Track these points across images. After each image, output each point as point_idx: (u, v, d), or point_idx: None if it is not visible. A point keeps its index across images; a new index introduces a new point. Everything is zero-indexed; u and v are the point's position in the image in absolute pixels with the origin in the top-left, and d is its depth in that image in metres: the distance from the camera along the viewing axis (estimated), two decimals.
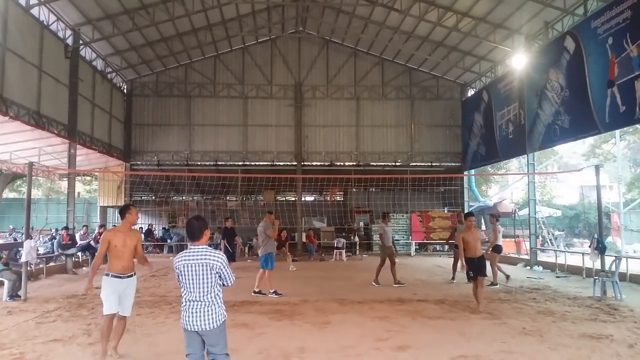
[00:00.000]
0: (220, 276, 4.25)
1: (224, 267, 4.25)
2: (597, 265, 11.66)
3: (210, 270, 4.18)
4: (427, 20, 19.01)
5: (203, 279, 4.18)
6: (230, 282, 4.33)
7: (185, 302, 4.22)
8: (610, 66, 12.84)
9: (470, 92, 23.89)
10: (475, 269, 9.01)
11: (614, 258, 11.09)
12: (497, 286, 12.14)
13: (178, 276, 4.30)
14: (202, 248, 4.26)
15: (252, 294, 10.63)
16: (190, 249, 4.29)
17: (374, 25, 20.99)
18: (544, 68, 16.38)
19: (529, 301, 10.11)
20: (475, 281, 9.12)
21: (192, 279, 4.18)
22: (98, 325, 7.81)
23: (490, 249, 12.82)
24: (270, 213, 11.51)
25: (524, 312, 8.82)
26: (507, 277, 13.02)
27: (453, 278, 13.21)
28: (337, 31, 23.09)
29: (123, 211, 6.24)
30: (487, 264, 9.93)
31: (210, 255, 4.22)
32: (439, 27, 19.18)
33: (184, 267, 4.19)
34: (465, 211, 24.11)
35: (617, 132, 22.10)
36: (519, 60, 17.82)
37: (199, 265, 4.17)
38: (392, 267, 12.51)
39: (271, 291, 10.65)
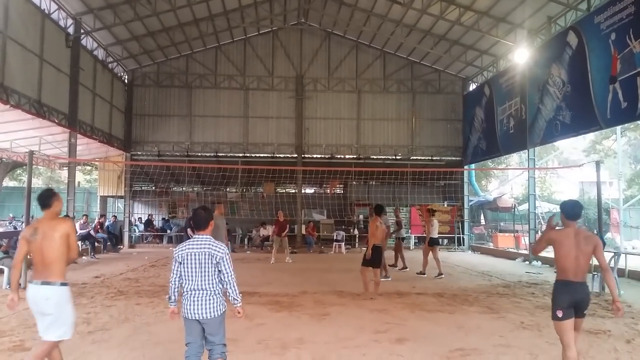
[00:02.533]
0: (219, 269, 4.27)
1: (225, 259, 4.27)
2: (596, 261, 11.66)
3: (212, 259, 4.22)
4: (429, 13, 18.92)
5: (205, 268, 4.23)
6: (229, 276, 4.29)
7: (187, 291, 4.26)
8: (613, 62, 12.80)
9: (472, 87, 23.82)
10: (378, 256, 9.93)
11: (613, 254, 11.12)
12: (442, 276, 12.82)
13: (177, 266, 4.31)
14: (207, 238, 4.32)
15: None
16: (195, 238, 4.34)
17: (376, 17, 20.90)
18: (546, 63, 16.34)
19: (528, 296, 10.15)
20: (369, 268, 9.97)
21: (195, 268, 4.22)
22: (98, 314, 7.86)
23: (426, 242, 13.73)
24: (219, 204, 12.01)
25: (522, 307, 8.86)
26: (435, 273, 13.11)
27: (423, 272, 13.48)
28: (339, 23, 23.00)
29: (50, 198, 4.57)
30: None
31: (212, 245, 4.26)
32: (442, 20, 19.10)
33: (187, 255, 4.23)
34: (465, 206, 24.21)
35: (618, 128, 22.10)
36: (521, 55, 17.77)
37: (201, 254, 4.22)
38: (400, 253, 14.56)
39: None
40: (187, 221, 14.44)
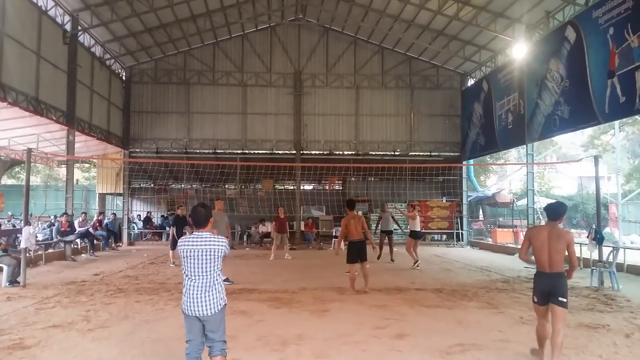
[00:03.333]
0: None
1: (225, 251, 4.39)
2: (595, 255, 11.70)
3: (213, 255, 4.24)
4: (427, 8, 18.90)
5: (205, 264, 4.25)
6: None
7: (187, 287, 4.27)
8: (611, 57, 12.80)
9: (470, 82, 23.80)
10: (357, 252, 9.81)
11: (611, 249, 11.14)
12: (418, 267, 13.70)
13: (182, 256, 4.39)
14: (207, 235, 4.34)
15: None
16: (195, 235, 4.36)
17: (374, 13, 20.86)
18: (544, 58, 16.33)
19: (526, 291, 10.14)
20: (357, 264, 9.90)
21: (194, 264, 4.25)
22: (97, 311, 7.86)
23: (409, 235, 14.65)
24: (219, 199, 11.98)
25: (522, 302, 8.87)
26: (416, 262, 14.02)
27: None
28: (337, 19, 22.96)
29: None
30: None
31: (213, 241, 4.29)
32: (440, 15, 19.07)
33: (187, 251, 4.25)
34: (464, 201, 24.21)
35: (617, 123, 22.06)
36: (519, 50, 17.73)
37: (201, 251, 4.24)
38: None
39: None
40: (175, 219, 14.30)
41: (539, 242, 5.24)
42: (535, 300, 5.35)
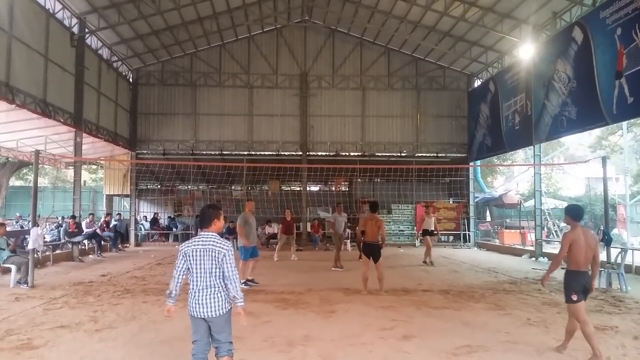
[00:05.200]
0: (223, 269, 4.26)
1: (228, 255, 4.28)
2: (603, 257, 11.62)
3: (215, 256, 4.22)
4: (434, 9, 18.86)
5: (210, 265, 4.23)
6: (231, 273, 4.26)
7: (193, 288, 4.27)
8: (619, 57, 12.71)
9: (477, 83, 23.72)
10: (369, 252, 9.95)
11: (619, 250, 11.08)
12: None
13: (182, 260, 4.32)
14: (211, 235, 4.32)
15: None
16: (200, 235, 4.34)
17: (381, 14, 20.84)
18: (551, 59, 16.25)
19: (534, 292, 10.12)
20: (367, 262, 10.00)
21: (200, 265, 4.23)
22: (105, 312, 7.89)
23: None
24: (249, 200, 11.97)
25: (529, 303, 8.84)
26: (429, 262, 15.00)
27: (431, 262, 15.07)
28: (343, 20, 22.96)
29: None
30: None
31: (217, 243, 4.26)
32: (446, 16, 19.02)
33: (192, 252, 4.24)
34: (471, 202, 24.13)
35: (625, 123, 21.97)
36: (526, 51, 17.66)
37: (205, 251, 4.22)
38: (338, 251, 14.46)
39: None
40: (227, 230, 14.71)
41: (580, 243, 5.52)
42: (575, 299, 5.54)
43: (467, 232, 23.66)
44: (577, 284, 5.56)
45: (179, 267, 4.35)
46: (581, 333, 5.59)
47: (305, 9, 22.80)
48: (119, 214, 22.59)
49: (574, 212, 5.73)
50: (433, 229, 15.98)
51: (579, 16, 15.15)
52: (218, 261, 4.23)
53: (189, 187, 26.12)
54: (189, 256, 4.25)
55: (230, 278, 4.26)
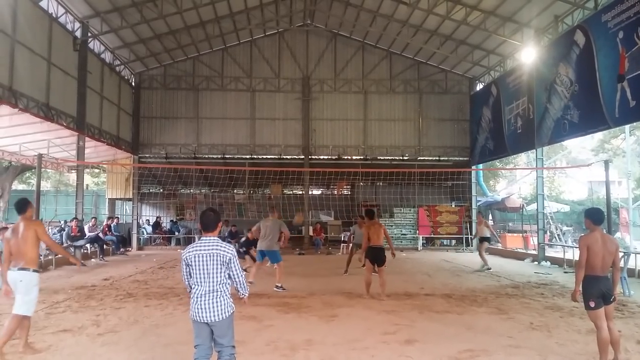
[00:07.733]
0: (229, 273, 4.31)
1: (233, 260, 4.29)
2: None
3: (220, 261, 4.22)
4: (435, 13, 18.88)
5: (213, 269, 4.22)
6: (239, 277, 4.38)
7: (195, 293, 4.26)
8: (621, 60, 12.71)
9: (479, 86, 23.73)
10: (373, 256, 9.98)
11: (622, 254, 11.04)
12: (489, 270, 14.39)
13: (186, 268, 4.33)
14: (214, 239, 4.32)
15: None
16: (202, 239, 4.34)
17: (382, 18, 20.87)
18: (553, 62, 16.25)
19: (537, 296, 10.09)
20: (374, 269, 10.04)
21: (202, 270, 4.23)
22: (107, 316, 7.89)
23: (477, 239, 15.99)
24: (273, 207, 11.99)
25: (532, 307, 8.81)
26: (485, 267, 14.64)
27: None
28: (345, 24, 23.00)
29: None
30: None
31: (220, 247, 4.27)
32: (448, 20, 19.05)
33: (195, 257, 4.23)
34: (473, 206, 24.12)
35: (627, 127, 21.91)
36: (528, 54, 17.68)
37: (208, 256, 4.22)
38: (350, 256, 14.55)
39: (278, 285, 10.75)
40: (245, 242, 15.00)
41: (597, 247, 5.34)
42: (593, 305, 5.31)
43: (469, 236, 23.62)
44: (594, 290, 5.32)
45: (185, 274, 4.41)
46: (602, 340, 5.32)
47: (307, 12, 22.85)
48: (116, 217, 22.56)
49: (595, 216, 5.57)
50: (489, 235, 15.97)
51: (580, 20, 15.16)
52: (224, 265, 4.24)
53: (192, 190, 26.14)
54: (192, 261, 4.25)
55: (237, 281, 4.39)
